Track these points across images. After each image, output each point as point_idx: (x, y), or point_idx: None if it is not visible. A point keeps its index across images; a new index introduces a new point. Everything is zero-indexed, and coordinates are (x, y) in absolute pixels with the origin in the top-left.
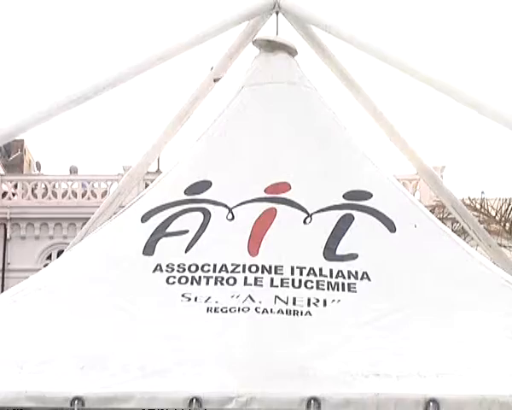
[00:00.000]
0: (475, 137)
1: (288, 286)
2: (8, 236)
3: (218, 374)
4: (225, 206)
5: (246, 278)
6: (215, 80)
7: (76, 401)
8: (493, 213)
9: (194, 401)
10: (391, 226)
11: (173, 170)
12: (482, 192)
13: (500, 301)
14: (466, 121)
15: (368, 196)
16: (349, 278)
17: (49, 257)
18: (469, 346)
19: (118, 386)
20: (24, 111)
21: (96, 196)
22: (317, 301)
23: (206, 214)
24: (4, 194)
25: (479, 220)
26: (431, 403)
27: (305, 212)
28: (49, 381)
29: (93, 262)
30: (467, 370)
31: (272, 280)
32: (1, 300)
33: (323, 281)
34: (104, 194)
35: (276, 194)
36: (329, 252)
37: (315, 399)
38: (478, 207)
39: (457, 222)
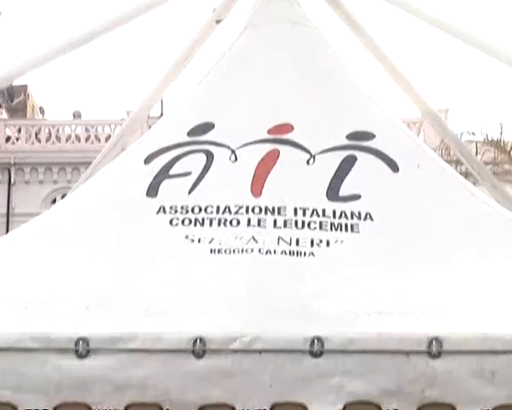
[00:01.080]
0: (478, 80)
1: (291, 227)
2: (12, 180)
3: (221, 314)
4: (228, 147)
5: (249, 220)
6: (217, 22)
7: (80, 342)
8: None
9: (198, 340)
10: (394, 167)
11: (176, 112)
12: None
13: (504, 240)
14: (469, 64)
15: (371, 136)
16: (352, 218)
17: (54, 201)
18: (472, 285)
19: (122, 326)
20: (21, 55)
21: (99, 141)
22: (320, 241)
23: (209, 156)
24: (8, 139)
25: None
26: (434, 341)
27: (308, 153)
28: (54, 321)
29: (96, 204)
30: (470, 308)
31: (275, 221)
32: (4, 241)
33: (326, 222)
34: (108, 138)
35: (279, 135)
36: (332, 193)
37: (318, 338)
38: (495, 143)
39: (461, 164)
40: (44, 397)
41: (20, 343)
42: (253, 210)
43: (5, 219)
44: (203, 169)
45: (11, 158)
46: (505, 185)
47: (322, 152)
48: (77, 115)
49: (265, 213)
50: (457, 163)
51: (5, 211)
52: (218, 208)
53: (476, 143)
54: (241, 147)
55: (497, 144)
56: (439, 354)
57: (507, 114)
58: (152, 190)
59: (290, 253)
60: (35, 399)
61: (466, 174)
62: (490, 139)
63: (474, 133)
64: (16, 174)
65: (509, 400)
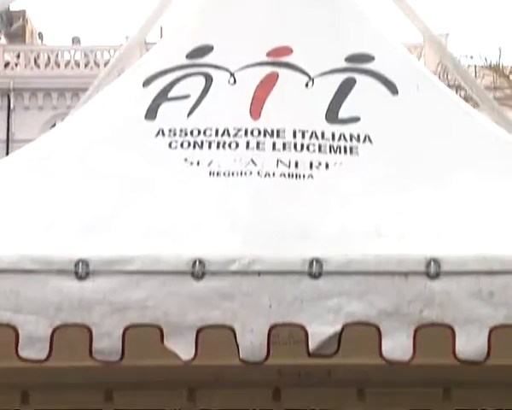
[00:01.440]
0: (478, 4)
1: (290, 150)
2: (11, 106)
3: (220, 236)
4: (227, 70)
5: (248, 142)
6: None
7: (80, 264)
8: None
9: (198, 262)
10: (393, 89)
11: (174, 35)
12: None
13: (504, 162)
14: None
15: (370, 58)
16: (351, 141)
17: (53, 127)
18: (471, 206)
19: (121, 248)
20: None
21: (98, 66)
22: (319, 164)
23: (208, 79)
24: (7, 64)
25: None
26: (432, 262)
27: (307, 76)
28: (54, 243)
29: (94, 127)
30: (468, 229)
31: (274, 144)
32: (2, 165)
33: (325, 144)
34: (107, 64)
35: (278, 58)
36: (331, 115)
37: (317, 260)
38: (494, 67)
39: (460, 89)
40: (44, 318)
41: (20, 265)
42: (251, 133)
43: (5, 145)
44: (202, 92)
45: (10, 83)
46: (505, 110)
47: (321, 75)
48: (76, 41)
49: (264, 135)
50: (457, 88)
51: (5, 137)
52: (216, 131)
53: (475, 66)
54: (239, 70)
55: (496, 69)
56: (437, 275)
57: (506, 38)
58: (151, 113)
59: (289, 175)
60: (35, 320)
61: (465, 99)
62: (489, 63)
63: (472, 57)
64: (16, 100)
65: (506, 320)
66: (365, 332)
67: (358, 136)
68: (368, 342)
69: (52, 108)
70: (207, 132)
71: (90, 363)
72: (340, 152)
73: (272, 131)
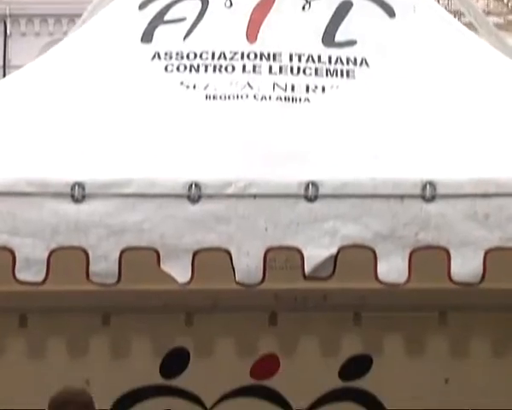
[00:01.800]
0: None
1: (286, 73)
2: (8, 32)
3: (216, 160)
4: None
5: (244, 66)
6: None
7: (76, 186)
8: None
9: (194, 185)
10: (390, 11)
11: None
12: None
13: (502, 85)
14: None
15: None
16: (348, 64)
17: None
18: (467, 129)
19: (117, 172)
20: None
21: None
22: (316, 87)
23: (204, 1)
24: None
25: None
26: (428, 185)
27: None
28: (50, 167)
29: (90, 50)
30: (464, 152)
31: (271, 68)
32: None
33: (322, 68)
34: None
35: None
36: (328, 39)
37: (313, 183)
38: None
39: (460, 15)
40: (41, 241)
41: (16, 188)
42: (248, 56)
43: (2, 71)
44: (198, 15)
45: (6, 9)
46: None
47: None
48: None
49: (261, 59)
50: (455, 13)
51: (1, 63)
52: (213, 54)
53: None
54: None
55: None
56: (432, 198)
57: None
58: (147, 36)
59: (285, 99)
60: (32, 243)
61: (465, 26)
62: None
63: None
64: (12, 26)
65: (501, 242)
66: (361, 256)
67: (355, 59)
68: (364, 266)
69: (48, 34)
70: (203, 56)
71: (87, 287)
72: (336, 75)
73: (269, 55)
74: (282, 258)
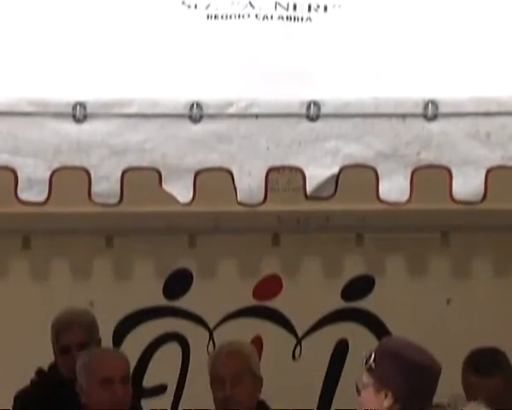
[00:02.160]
0: None
1: None
2: None
3: (218, 80)
4: None
5: None
6: None
7: (78, 106)
8: None
9: (195, 105)
10: None
11: None
12: None
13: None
14: None
15: None
16: None
17: None
18: (468, 48)
19: (119, 91)
20: None
21: None
22: (318, 6)
23: None
24: None
25: None
26: (429, 104)
27: None
28: (51, 86)
29: None
30: (466, 71)
31: None
32: None
33: None
34: None
35: None
36: None
37: (314, 102)
38: None
39: None
40: (43, 161)
41: (18, 107)
42: None
43: None
44: None
45: None
46: None
47: None
48: None
49: None
50: None
51: None
52: None
53: None
54: None
55: None
56: (434, 117)
57: None
58: None
59: (287, 18)
60: (33, 162)
61: None
62: None
63: None
64: None
65: (503, 161)
66: (363, 177)
67: None
68: (366, 187)
69: None
70: None
71: (90, 209)
72: None
73: None
74: (284, 180)
